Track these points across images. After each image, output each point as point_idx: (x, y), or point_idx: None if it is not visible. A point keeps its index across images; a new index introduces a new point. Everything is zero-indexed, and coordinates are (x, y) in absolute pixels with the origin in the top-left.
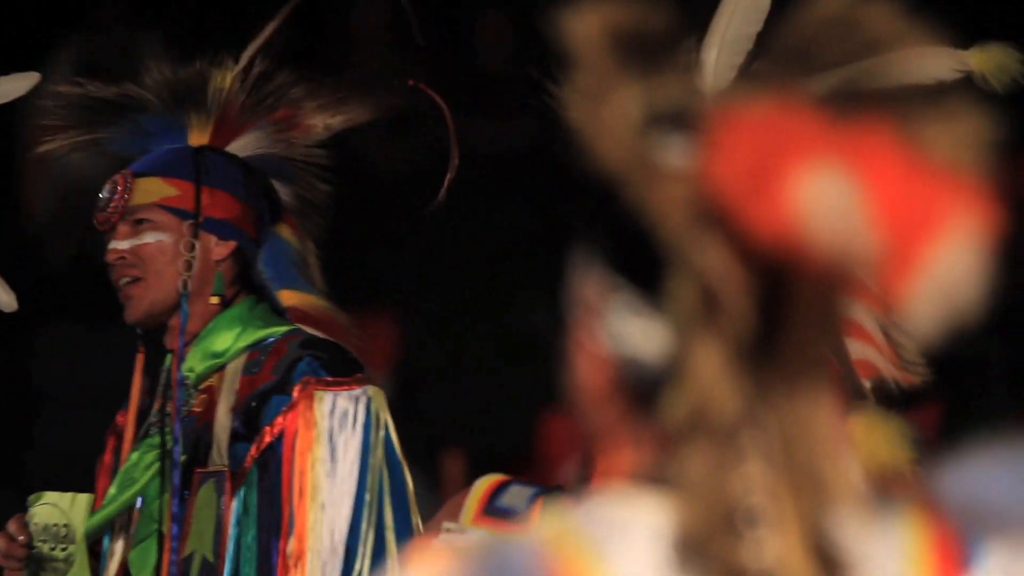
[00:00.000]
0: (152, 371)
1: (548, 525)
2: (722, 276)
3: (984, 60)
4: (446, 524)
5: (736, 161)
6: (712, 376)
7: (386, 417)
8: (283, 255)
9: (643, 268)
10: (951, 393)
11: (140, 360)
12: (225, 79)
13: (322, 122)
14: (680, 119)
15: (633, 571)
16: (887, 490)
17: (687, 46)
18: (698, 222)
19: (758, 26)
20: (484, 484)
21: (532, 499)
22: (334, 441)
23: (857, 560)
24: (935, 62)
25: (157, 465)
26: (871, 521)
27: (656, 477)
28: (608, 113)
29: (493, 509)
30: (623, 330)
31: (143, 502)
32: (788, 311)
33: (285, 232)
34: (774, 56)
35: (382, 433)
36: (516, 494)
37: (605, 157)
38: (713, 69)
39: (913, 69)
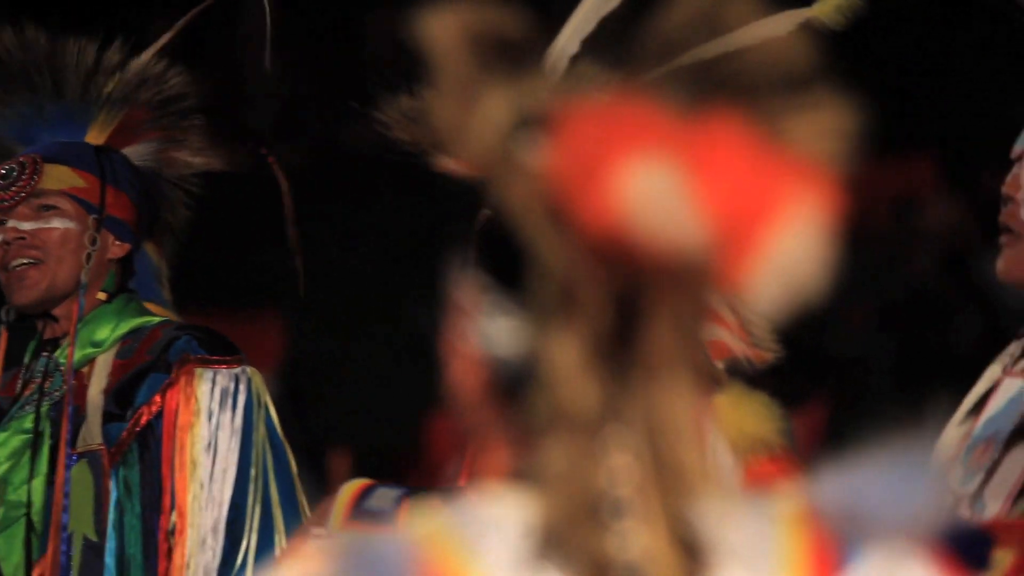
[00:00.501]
0: (13, 356)
1: (420, 524)
2: (576, 272)
3: (823, 7)
4: (315, 530)
5: (571, 155)
6: (571, 371)
7: (266, 399)
8: (148, 269)
9: (508, 268)
10: (837, 393)
11: (2, 344)
12: (137, 81)
13: (185, 159)
14: (539, 119)
15: (504, 568)
16: (763, 480)
17: (545, 46)
18: (549, 219)
19: (598, 18)
20: (350, 488)
21: (399, 500)
22: (215, 418)
23: (722, 550)
24: (774, 23)
25: (27, 450)
26: (742, 513)
27: (526, 474)
28: (469, 115)
29: (361, 512)
30: (492, 331)
31: (6, 487)
32: (645, 304)
33: (149, 248)
34: (631, 51)
35: (263, 412)
36: (382, 496)
37: (468, 158)
38: (559, 60)
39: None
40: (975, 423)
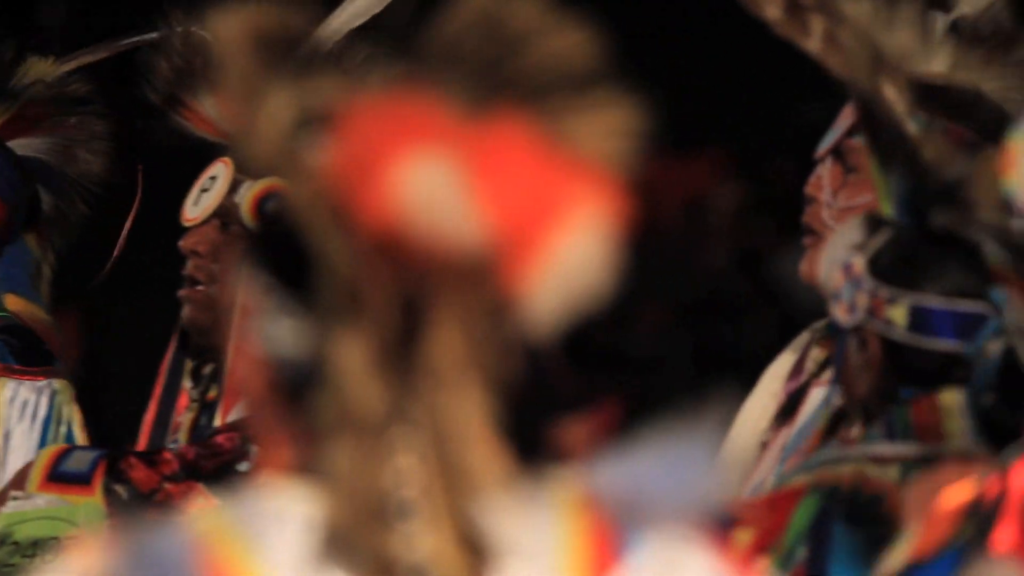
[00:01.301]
0: None
1: (202, 518)
2: (359, 272)
3: None
4: (12, 493)
5: (351, 153)
6: (356, 372)
7: (71, 413)
8: (20, 261)
9: (292, 268)
10: (630, 392)
11: None
12: (43, 77)
13: (85, 158)
14: (323, 117)
15: (285, 562)
16: (544, 479)
17: (332, 45)
18: (332, 218)
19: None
20: (47, 452)
21: (95, 463)
22: (9, 429)
23: (507, 550)
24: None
25: None
26: (524, 510)
27: (311, 471)
28: (254, 114)
29: (57, 474)
30: (275, 331)
31: None
32: (429, 305)
33: (30, 240)
34: (414, 49)
35: (63, 429)
36: (79, 458)
37: (254, 157)
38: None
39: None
40: (788, 430)
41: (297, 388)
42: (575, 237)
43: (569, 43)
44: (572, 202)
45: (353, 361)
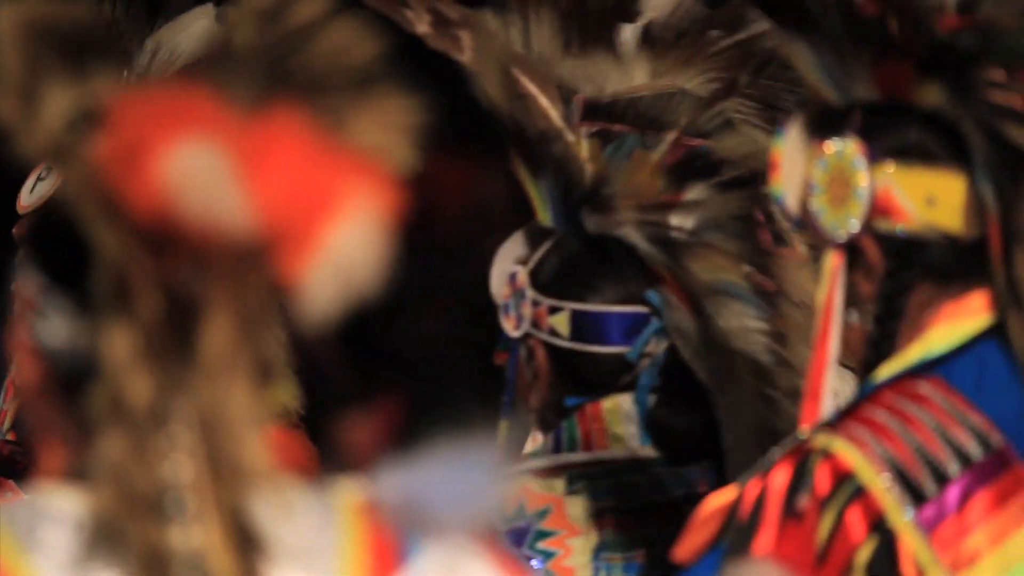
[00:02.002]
0: None
1: None
2: (129, 265)
3: None
4: None
5: (121, 144)
6: (126, 365)
7: None
8: None
9: (65, 261)
10: (411, 391)
11: None
12: None
13: None
14: (100, 111)
15: (59, 563)
16: (327, 480)
17: (116, 39)
18: (103, 210)
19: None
20: None
21: None
22: None
23: (280, 544)
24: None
25: None
26: (303, 507)
27: (84, 469)
28: (31, 107)
29: None
30: (49, 324)
31: None
32: (200, 298)
33: None
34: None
35: None
36: None
37: (32, 150)
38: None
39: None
40: None
41: (71, 382)
42: (348, 229)
43: (348, 39)
44: (346, 195)
45: (122, 352)
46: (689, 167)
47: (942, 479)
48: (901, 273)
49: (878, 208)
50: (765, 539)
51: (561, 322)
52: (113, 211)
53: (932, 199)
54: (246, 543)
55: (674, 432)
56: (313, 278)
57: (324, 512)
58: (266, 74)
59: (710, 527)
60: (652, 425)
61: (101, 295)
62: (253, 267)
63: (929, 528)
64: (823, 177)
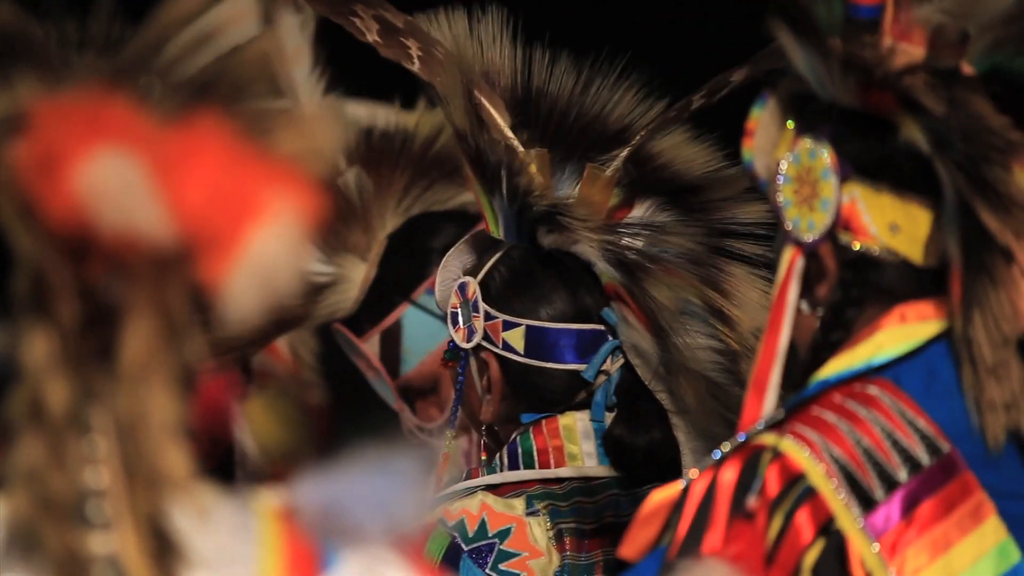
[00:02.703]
0: None
1: None
2: (46, 269)
3: None
4: None
5: (39, 149)
6: (44, 369)
7: None
8: None
9: None
10: (337, 401)
11: None
12: None
13: None
14: (18, 114)
15: None
16: (243, 490)
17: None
18: (20, 214)
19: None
20: None
21: None
22: None
23: (198, 551)
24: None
25: None
26: (222, 514)
27: (1, 472)
28: None
29: None
30: None
31: None
32: (120, 303)
33: None
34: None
35: None
36: None
37: None
38: None
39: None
40: None
41: None
42: (269, 234)
43: (270, 48)
44: (267, 201)
45: (41, 357)
46: (641, 184)
47: (891, 484)
48: (854, 287)
49: (841, 221)
50: (714, 538)
51: (516, 337)
52: (31, 217)
53: (896, 226)
54: (163, 549)
55: (633, 450)
56: (235, 283)
57: (242, 518)
58: (187, 83)
59: (654, 523)
60: (611, 444)
61: (20, 299)
62: (172, 273)
63: (877, 533)
64: (792, 171)
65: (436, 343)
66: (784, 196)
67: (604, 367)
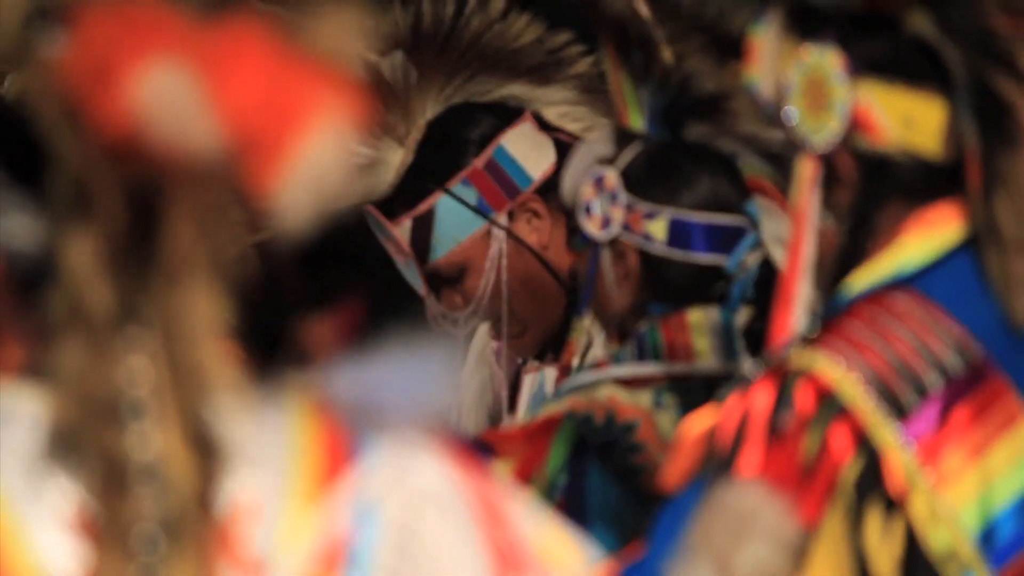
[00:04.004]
0: None
1: None
2: (91, 171)
3: None
4: None
5: (87, 52)
6: (87, 271)
7: None
8: None
9: (23, 161)
10: (373, 291)
11: None
12: None
13: None
14: (59, 10)
15: (14, 462)
16: (277, 385)
17: None
18: (65, 115)
19: None
20: None
21: None
22: None
23: (238, 450)
24: None
25: None
26: (257, 413)
27: (41, 371)
28: None
29: None
30: (6, 224)
31: None
32: (162, 205)
33: None
34: None
35: None
36: None
37: None
38: None
39: None
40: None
41: (29, 283)
42: (318, 137)
43: None
44: (313, 103)
45: (83, 259)
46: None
47: (923, 393)
48: (873, 188)
49: (855, 123)
50: (750, 460)
51: (658, 228)
52: (76, 121)
53: (910, 120)
54: (204, 449)
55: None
56: (285, 187)
57: (276, 412)
58: None
59: (694, 452)
60: (752, 338)
61: (61, 200)
62: (217, 176)
63: (913, 443)
64: (801, 81)
65: (467, 233)
66: (794, 109)
67: (744, 261)
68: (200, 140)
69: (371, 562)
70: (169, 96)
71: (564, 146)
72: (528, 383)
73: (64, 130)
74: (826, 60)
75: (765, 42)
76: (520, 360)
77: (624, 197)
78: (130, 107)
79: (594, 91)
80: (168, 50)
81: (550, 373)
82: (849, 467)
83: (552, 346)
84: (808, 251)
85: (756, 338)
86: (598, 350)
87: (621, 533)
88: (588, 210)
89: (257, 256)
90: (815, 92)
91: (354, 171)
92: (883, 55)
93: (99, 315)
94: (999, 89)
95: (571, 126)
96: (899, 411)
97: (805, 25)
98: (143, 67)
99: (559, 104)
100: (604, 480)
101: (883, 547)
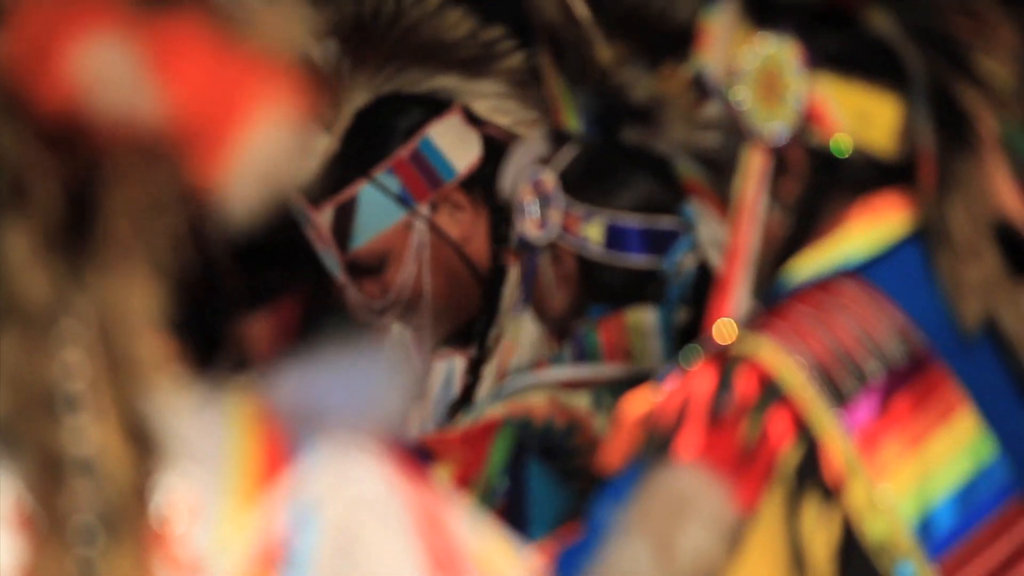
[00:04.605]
0: None
1: None
2: (26, 159)
3: None
4: None
5: (23, 36)
6: (22, 261)
7: None
8: None
9: None
10: (311, 289)
11: None
12: None
13: None
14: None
15: None
16: (217, 383)
17: None
18: (2, 104)
19: None
20: None
21: None
22: None
23: (176, 444)
24: None
25: None
26: (197, 411)
27: None
28: None
29: None
30: None
31: None
32: (99, 194)
33: None
34: None
35: None
36: None
37: None
38: None
39: None
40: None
41: None
42: (263, 127)
43: None
44: (259, 95)
45: (18, 250)
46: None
47: (863, 382)
48: (823, 181)
49: (808, 116)
50: (690, 444)
51: (594, 231)
52: (12, 106)
53: (864, 116)
54: (142, 443)
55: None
56: (230, 178)
57: (216, 410)
58: None
59: (633, 433)
60: (682, 341)
61: None
62: (160, 165)
63: (852, 431)
64: (755, 70)
65: (388, 223)
66: (746, 97)
67: (680, 263)
68: (136, 120)
69: (310, 565)
70: (108, 72)
71: (492, 140)
72: (438, 372)
73: (1, 114)
74: (783, 51)
75: (719, 27)
76: (430, 349)
77: (561, 199)
78: (68, 88)
79: (525, 85)
80: (106, 31)
81: (459, 363)
82: (788, 453)
83: (462, 337)
84: (750, 242)
85: (693, 339)
86: (525, 348)
87: None
88: (526, 212)
89: (194, 249)
90: (769, 82)
91: (298, 161)
92: (841, 50)
93: (35, 307)
94: (957, 92)
95: (501, 120)
96: (839, 399)
97: (762, 14)
98: (81, 46)
99: (489, 97)
100: (545, 483)
101: (819, 534)
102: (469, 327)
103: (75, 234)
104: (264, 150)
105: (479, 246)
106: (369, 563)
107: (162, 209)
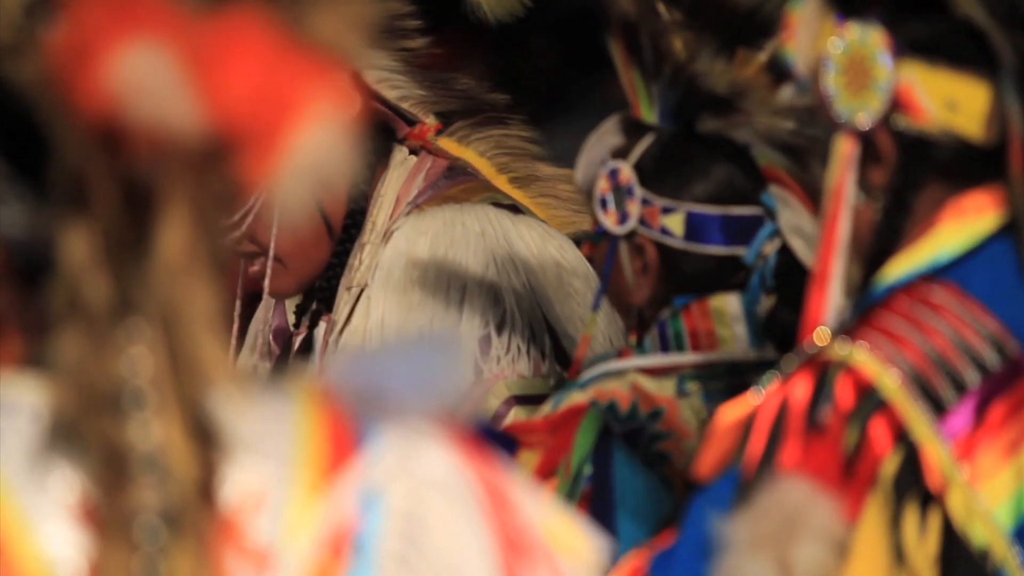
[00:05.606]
0: None
1: None
2: (85, 161)
3: None
4: None
5: (75, 36)
6: (84, 262)
7: None
8: None
9: (24, 152)
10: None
11: None
12: None
13: None
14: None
15: (15, 453)
16: (280, 376)
17: None
18: (59, 102)
19: None
20: None
21: None
22: None
23: (241, 439)
24: None
25: None
26: (260, 399)
27: (41, 362)
28: None
29: None
30: (11, 214)
31: None
32: (157, 196)
33: None
34: None
35: None
36: None
37: None
38: None
39: None
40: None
41: (29, 274)
42: (314, 128)
43: None
44: (310, 96)
45: (80, 251)
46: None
47: (961, 389)
48: (913, 169)
49: (896, 103)
50: (791, 453)
51: (675, 222)
52: (66, 107)
53: (953, 103)
54: (205, 438)
55: (792, 333)
56: (284, 180)
57: (280, 401)
58: None
59: (727, 442)
60: (776, 326)
61: (59, 191)
62: (209, 168)
63: (950, 439)
64: (841, 59)
65: None
66: (834, 84)
67: (762, 251)
68: (179, 123)
69: (377, 550)
70: (145, 80)
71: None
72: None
73: (59, 119)
74: (869, 38)
75: (804, 17)
76: (278, 297)
77: (639, 192)
78: (107, 95)
79: (419, 68)
80: (152, 33)
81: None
82: (889, 462)
83: (319, 298)
84: (844, 230)
85: (778, 326)
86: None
87: (648, 521)
88: (604, 204)
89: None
90: (856, 70)
91: (347, 161)
92: (928, 36)
93: (98, 306)
94: None
95: (388, 93)
96: (937, 406)
97: (847, 2)
98: (120, 53)
99: (381, 69)
100: (630, 468)
101: (921, 542)
102: (324, 289)
103: (136, 234)
104: (314, 150)
105: (336, 199)
106: (437, 546)
107: (220, 208)
